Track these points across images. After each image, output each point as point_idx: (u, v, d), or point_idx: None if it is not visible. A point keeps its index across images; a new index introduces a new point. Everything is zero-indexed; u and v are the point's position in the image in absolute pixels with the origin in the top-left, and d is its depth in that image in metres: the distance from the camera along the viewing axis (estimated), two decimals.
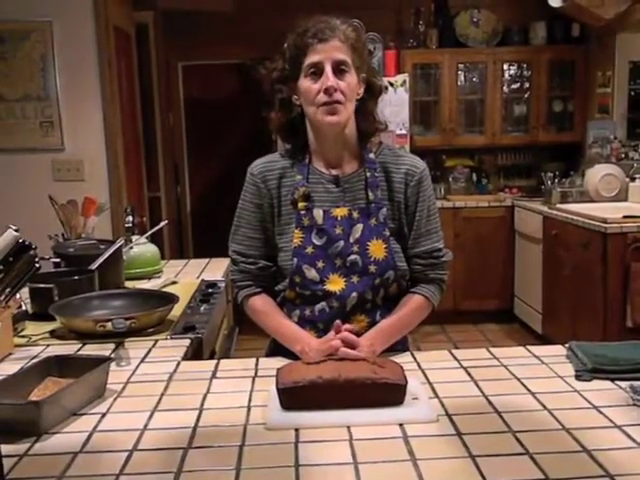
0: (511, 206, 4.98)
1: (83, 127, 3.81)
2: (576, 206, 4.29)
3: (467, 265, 4.78)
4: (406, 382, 1.23)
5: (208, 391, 1.36)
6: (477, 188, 5.38)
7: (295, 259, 1.56)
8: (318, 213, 1.57)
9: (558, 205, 4.46)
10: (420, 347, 4.33)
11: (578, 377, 1.37)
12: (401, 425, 1.17)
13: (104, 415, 1.26)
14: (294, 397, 1.21)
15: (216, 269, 2.58)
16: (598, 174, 4.55)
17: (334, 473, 1.01)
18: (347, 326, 1.49)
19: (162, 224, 2.64)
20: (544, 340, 4.50)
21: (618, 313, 3.66)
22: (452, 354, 1.56)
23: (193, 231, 5.79)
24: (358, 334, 1.50)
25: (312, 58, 1.51)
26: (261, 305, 1.63)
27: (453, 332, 4.80)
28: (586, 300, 3.89)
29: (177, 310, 1.93)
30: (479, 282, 4.92)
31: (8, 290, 1.58)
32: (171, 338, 1.74)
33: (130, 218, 2.59)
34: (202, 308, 2.04)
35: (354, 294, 1.56)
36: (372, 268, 1.56)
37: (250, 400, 1.30)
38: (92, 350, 1.64)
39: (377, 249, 1.56)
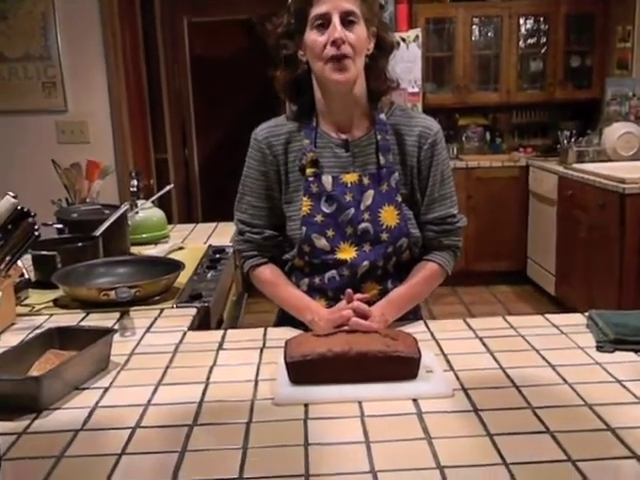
0: (525, 166, 4.89)
1: (86, 87, 3.73)
2: (593, 166, 4.20)
3: (480, 226, 4.71)
4: (420, 355, 1.19)
5: (214, 363, 1.32)
6: (491, 148, 5.29)
7: (304, 228, 1.51)
8: (327, 180, 1.51)
9: (574, 165, 4.37)
10: (431, 309, 4.31)
11: (599, 348, 1.32)
12: (415, 400, 1.12)
13: (107, 389, 1.22)
14: (303, 371, 1.17)
15: (224, 234, 2.54)
16: (616, 132, 4.44)
17: (345, 453, 0.97)
18: (359, 295, 1.44)
19: (167, 188, 2.58)
20: (557, 302, 4.47)
21: (635, 276, 3.60)
22: (467, 323, 1.51)
23: (202, 194, 5.73)
24: (370, 303, 1.45)
25: (319, 9, 1.43)
26: (268, 275, 1.59)
27: (464, 294, 4.77)
28: (602, 263, 3.82)
29: (183, 277, 1.89)
30: (492, 243, 4.86)
31: (8, 259, 1.53)
32: (177, 307, 1.70)
33: (135, 182, 2.54)
34: (209, 275, 2.00)
35: (365, 262, 1.51)
36: (384, 236, 1.51)
37: (258, 373, 1.26)
38: (96, 319, 1.61)
39: (389, 216, 1.51)
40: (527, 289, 4.91)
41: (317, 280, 1.55)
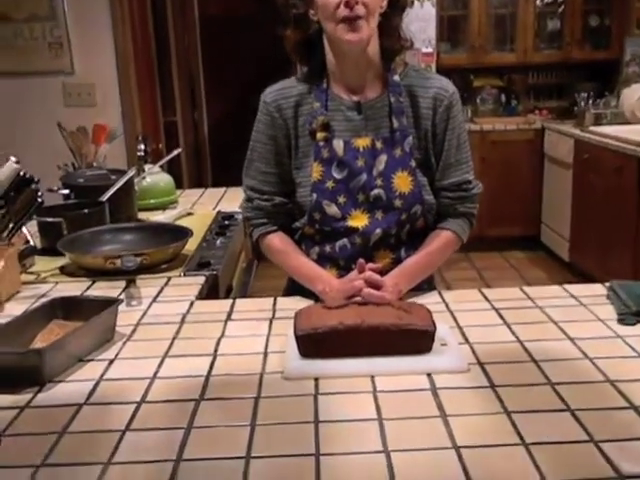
0: (541, 129, 4.80)
1: (93, 48, 3.65)
2: (610, 128, 4.11)
3: (493, 191, 4.61)
4: (434, 328, 1.14)
5: (222, 335, 1.29)
6: (506, 110, 5.19)
7: (314, 195, 1.46)
8: (338, 144, 1.46)
9: (591, 127, 4.28)
10: (444, 275, 4.27)
11: (621, 321, 1.27)
12: (429, 375, 1.09)
13: (112, 362, 1.19)
14: (313, 344, 1.13)
15: (233, 199, 2.49)
16: (635, 94, 4.33)
17: (357, 431, 0.94)
18: (371, 265, 1.39)
19: (175, 152, 2.53)
20: (571, 268, 4.42)
21: None
22: (482, 293, 1.46)
23: (212, 157, 5.66)
24: (382, 273, 1.40)
25: None
26: (278, 243, 1.54)
27: (477, 259, 4.72)
28: (617, 228, 3.75)
29: (192, 244, 1.85)
30: (505, 208, 4.78)
31: (11, 226, 1.49)
32: (185, 275, 1.67)
33: (142, 146, 2.49)
34: (218, 242, 1.97)
35: (378, 230, 1.47)
36: (397, 203, 1.46)
37: (267, 345, 1.23)
38: (102, 288, 1.58)
39: (402, 182, 1.46)
40: (540, 255, 4.85)
41: (328, 249, 1.51)
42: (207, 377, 1.11)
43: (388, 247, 1.50)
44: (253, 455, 0.89)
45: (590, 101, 4.52)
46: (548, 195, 4.80)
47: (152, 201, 2.39)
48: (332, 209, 1.46)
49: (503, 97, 5.20)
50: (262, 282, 3.25)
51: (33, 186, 1.47)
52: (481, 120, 4.95)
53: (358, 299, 1.32)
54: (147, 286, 1.57)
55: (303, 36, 1.46)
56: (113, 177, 2.15)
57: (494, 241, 4.80)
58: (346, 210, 1.47)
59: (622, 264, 3.67)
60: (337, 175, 1.46)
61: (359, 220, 1.46)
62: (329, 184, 1.46)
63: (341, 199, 1.46)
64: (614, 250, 3.81)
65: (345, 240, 1.48)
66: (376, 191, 1.45)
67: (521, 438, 0.90)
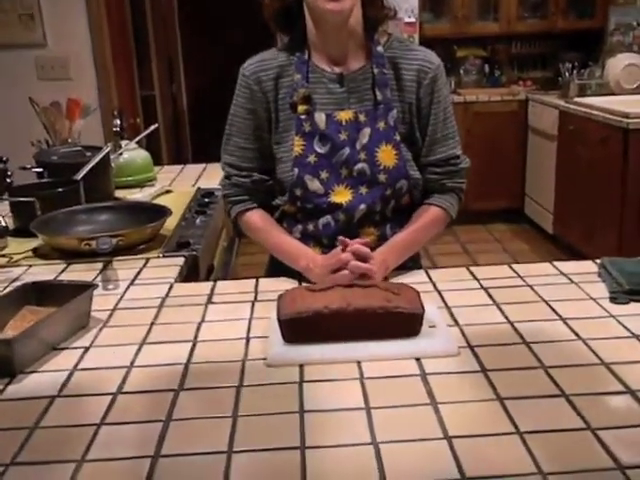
0: (525, 100, 4.77)
1: (66, 19, 3.55)
2: (595, 99, 4.08)
3: (477, 163, 4.49)
4: (423, 311, 1.11)
5: (203, 319, 1.24)
6: (489, 81, 5.15)
7: (296, 169, 1.42)
8: (320, 117, 1.41)
9: (576, 98, 4.24)
10: (427, 248, 4.24)
11: (613, 300, 1.24)
12: (418, 360, 1.05)
13: (87, 349, 1.14)
14: (298, 329, 1.09)
15: (214, 176, 2.39)
16: (620, 64, 4.29)
17: (344, 421, 0.90)
18: (358, 240, 1.36)
19: (152, 127, 2.45)
20: (554, 241, 4.41)
21: (636, 213, 3.52)
22: (470, 272, 1.43)
23: (191, 132, 5.57)
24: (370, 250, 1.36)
25: None
26: (258, 221, 1.50)
27: (461, 232, 4.71)
28: (602, 200, 3.74)
29: (170, 223, 1.80)
30: (489, 181, 4.75)
31: None
32: (163, 256, 1.61)
33: (118, 121, 2.42)
34: (198, 220, 1.92)
35: (362, 206, 1.43)
36: (382, 177, 1.42)
37: (249, 330, 1.19)
38: (78, 271, 1.52)
39: (387, 156, 1.42)
40: (524, 227, 4.85)
41: (311, 227, 1.47)
42: (186, 365, 1.07)
43: (373, 224, 1.46)
44: (235, 449, 0.85)
45: (574, 71, 4.48)
46: (532, 167, 4.78)
47: (129, 178, 2.33)
48: (314, 184, 1.42)
49: (487, 68, 5.15)
50: (245, 258, 3.22)
51: (1, 166, 1.40)
52: (464, 91, 4.90)
53: (344, 273, 1.29)
54: (124, 268, 1.51)
55: (282, 4, 1.41)
56: (88, 154, 2.09)
57: (478, 214, 4.77)
58: (329, 185, 1.43)
59: (607, 237, 3.66)
60: (319, 149, 1.42)
61: (342, 196, 1.43)
62: (311, 158, 1.42)
63: (323, 174, 1.42)
64: (599, 223, 3.79)
65: (328, 217, 1.45)
66: (360, 165, 1.42)
67: (515, 426, 0.87)
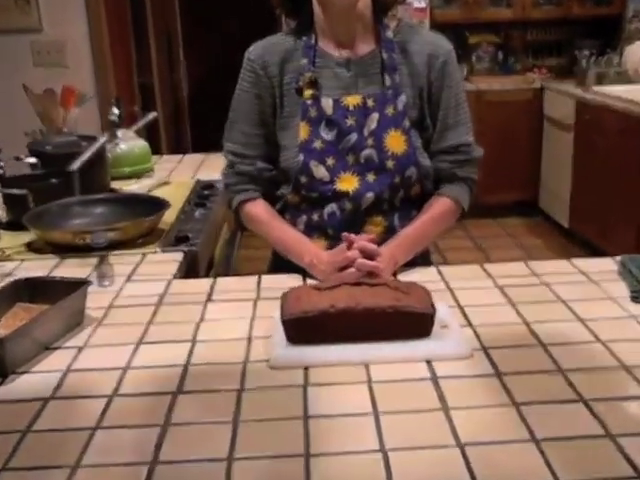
0: (540, 89, 4.72)
1: (62, 3, 3.54)
2: (613, 88, 4.05)
3: (489, 154, 4.39)
4: (434, 311, 1.09)
5: (202, 318, 1.24)
6: (503, 69, 5.11)
7: (301, 156, 1.41)
8: (327, 102, 1.41)
9: (593, 87, 4.22)
10: (437, 243, 4.22)
11: (635, 299, 1.23)
12: (429, 362, 1.04)
13: (81, 349, 1.14)
14: (302, 329, 1.08)
15: (214, 166, 2.39)
16: (639, 51, 4.24)
17: (351, 427, 0.89)
18: (364, 236, 1.35)
19: (150, 116, 2.45)
20: (570, 235, 4.38)
21: None
22: (484, 269, 1.41)
23: (191, 122, 5.55)
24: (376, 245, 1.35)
25: None
26: (261, 212, 1.49)
27: (472, 227, 4.67)
28: (620, 193, 3.71)
29: (169, 217, 1.79)
30: (502, 172, 4.70)
31: None
32: (161, 251, 1.61)
33: (115, 110, 2.39)
34: (197, 213, 1.91)
35: (369, 194, 1.42)
36: (390, 164, 1.41)
37: (251, 329, 1.18)
38: (72, 266, 1.52)
39: (395, 142, 1.41)
40: (539, 221, 4.82)
41: (316, 217, 1.46)
42: (185, 367, 1.06)
43: (380, 213, 1.45)
44: (236, 456, 0.84)
45: (592, 59, 4.45)
46: (547, 159, 4.74)
47: (126, 169, 2.32)
48: (320, 171, 1.41)
49: (500, 55, 5.11)
50: (247, 252, 3.20)
51: None
52: (477, 79, 4.87)
53: (351, 271, 1.28)
54: (120, 263, 1.50)
55: None
56: (84, 144, 2.07)
57: (490, 208, 4.74)
58: (335, 172, 1.42)
59: (625, 232, 3.63)
60: (325, 135, 1.41)
61: (349, 183, 1.42)
62: (317, 144, 1.41)
63: (330, 161, 1.41)
64: (616, 217, 3.77)
65: (334, 206, 1.43)
66: (367, 151, 1.41)
67: (531, 433, 0.86)
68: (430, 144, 1.47)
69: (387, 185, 1.42)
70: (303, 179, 1.42)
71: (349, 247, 1.32)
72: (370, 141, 1.41)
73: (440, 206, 1.46)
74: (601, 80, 4.33)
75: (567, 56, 5.01)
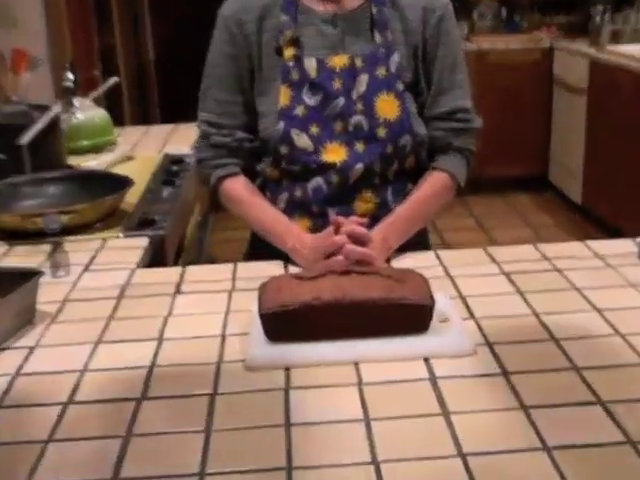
0: (549, 49, 4.76)
1: None
2: (631, 47, 4.06)
3: (493, 123, 4.48)
4: (433, 302, 1.09)
5: (170, 313, 1.23)
6: (507, 26, 5.14)
7: (281, 123, 1.41)
8: (310, 63, 1.41)
9: (608, 47, 4.24)
10: (435, 223, 4.21)
11: None
12: (427, 360, 1.04)
13: (32, 350, 1.13)
14: (283, 325, 1.08)
15: (184, 139, 2.42)
16: None
17: (339, 436, 0.88)
18: (354, 218, 1.35)
19: (111, 82, 2.43)
20: (584, 212, 4.41)
21: None
22: (488, 253, 1.42)
23: (159, 87, 5.51)
24: (367, 227, 1.35)
25: None
26: (239, 190, 1.49)
27: (475, 204, 4.70)
28: (639, 162, 3.72)
29: (132, 196, 1.80)
30: (507, 143, 4.76)
31: None
32: (124, 236, 1.62)
33: (70, 75, 2.37)
34: (165, 192, 1.92)
35: (359, 165, 1.42)
36: (381, 132, 1.42)
37: (226, 325, 1.18)
38: (21, 255, 1.52)
39: (387, 107, 1.41)
40: (549, 197, 4.85)
41: (299, 193, 1.46)
42: (151, 369, 1.06)
43: (371, 188, 1.45)
44: (208, 471, 0.83)
45: (606, 16, 4.46)
46: (558, 127, 4.76)
47: (84, 143, 2.30)
48: (303, 140, 1.41)
49: (504, 11, 5.13)
50: (222, 235, 3.19)
51: None
52: (478, 38, 4.89)
53: (339, 259, 1.28)
54: (77, 251, 1.49)
55: None
56: (35, 114, 2.06)
57: (494, 182, 4.77)
58: (320, 142, 1.42)
59: None
60: (309, 100, 1.41)
61: (336, 154, 1.42)
62: (299, 111, 1.41)
63: (314, 129, 1.42)
64: (635, 191, 3.78)
65: (319, 179, 1.44)
66: (356, 118, 1.41)
67: (542, 441, 0.85)
68: (424, 110, 1.48)
69: (378, 155, 1.42)
70: (284, 150, 1.42)
71: (337, 231, 1.31)
72: (359, 106, 1.41)
73: (436, 181, 1.47)
74: (617, 39, 4.36)
75: (579, 13, 5.02)
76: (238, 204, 1.49)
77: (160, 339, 1.14)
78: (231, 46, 1.44)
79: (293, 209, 1.46)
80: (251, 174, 1.51)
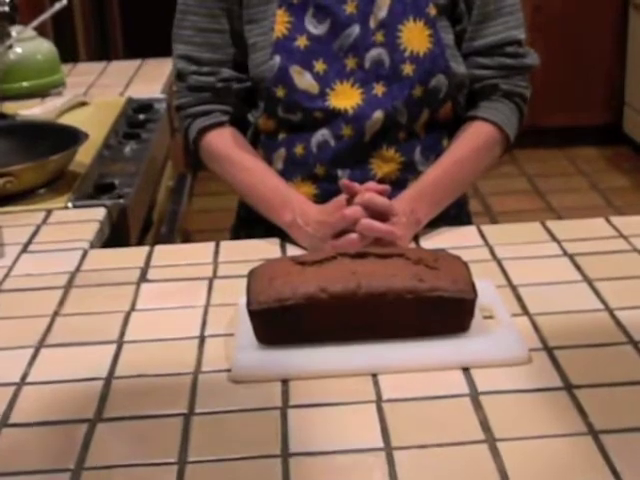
0: None
1: None
2: None
3: (551, 59, 4.55)
4: (475, 294, 1.09)
5: (133, 307, 1.25)
6: None
7: (277, 57, 1.45)
8: None
9: None
10: (477, 186, 4.22)
11: None
12: (466, 370, 1.04)
13: None
14: (279, 325, 1.09)
15: (153, 79, 2.47)
16: None
17: (351, 471, 0.88)
18: (371, 184, 1.36)
19: (59, 5, 2.40)
20: None
21: None
22: (547, 228, 1.44)
23: (122, 11, 5.51)
24: (389, 197, 1.36)
25: None
26: (225, 144, 1.53)
27: (528, 161, 4.76)
28: None
29: (86, 155, 1.83)
30: (570, 85, 4.83)
31: None
32: (74, 206, 1.63)
33: None
34: (128, 149, 1.96)
35: (378, 113, 1.44)
36: (408, 69, 1.44)
37: (205, 324, 1.19)
38: None
39: (415, 37, 1.44)
40: (623, 152, 4.88)
41: (299, 149, 1.49)
42: (108, 381, 1.06)
43: (394, 144, 1.48)
44: None
45: None
46: (635, 64, 4.78)
47: (24, 84, 2.37)
48: (304, 79, 1.44)
49: None
50: (202, 202, 3.19)
51: None
52: None
53: (352, 237, 1.30)
54: (13, 226, 1.53)
55: None
56: None
57: (553, 133, 4.84)
58: (327, 82, 1.45)
59: None
60: (313, 29, 1.44)
61: (348, 98, 1.45)
62: (300, 42, 1.44)
63: (319, 65, 1.44)
64: None
65: (325, 132, 1.47)
66: (375, 51, 1.44)
67: (615, 473, 0.84)
68: (463, 42, 1.50)
69: (403, 101, 1.45)
70: (280, 92, 1.45)
71: (350, 201, 1.31)
72: (379, 36, 1.44)
73: (477, 135, 1.50)
74: None
75: None
76: (222, 163, 1.52)
77: (120, 342, 1.15)
78: None
79: (292, 171, 1.50)
80: (242, 125, 1.53)
